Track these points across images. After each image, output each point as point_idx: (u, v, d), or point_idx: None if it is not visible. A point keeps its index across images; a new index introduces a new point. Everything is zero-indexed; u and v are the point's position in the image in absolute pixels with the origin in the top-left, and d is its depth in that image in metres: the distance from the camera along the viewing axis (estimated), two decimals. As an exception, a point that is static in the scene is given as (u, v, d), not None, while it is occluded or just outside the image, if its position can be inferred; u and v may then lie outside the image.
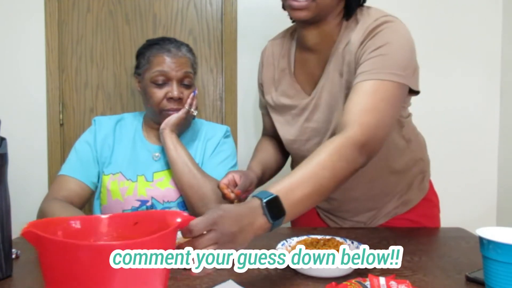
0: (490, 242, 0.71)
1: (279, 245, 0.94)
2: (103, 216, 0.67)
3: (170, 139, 1.25)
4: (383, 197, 1.22)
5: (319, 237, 0.99)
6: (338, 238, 0.97)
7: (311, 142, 1.14)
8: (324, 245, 0.94)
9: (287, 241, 0.97)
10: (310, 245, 0.94)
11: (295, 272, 0.88)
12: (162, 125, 1.27)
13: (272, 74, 1.21)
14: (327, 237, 0.98)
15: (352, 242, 0.95)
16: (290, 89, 1.17)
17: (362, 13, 1.05)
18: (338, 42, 1.06)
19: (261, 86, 1.27)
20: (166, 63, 1.26)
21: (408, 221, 1.25)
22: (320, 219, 1.31)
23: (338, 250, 0.90)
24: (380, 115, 0.91)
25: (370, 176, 1.13)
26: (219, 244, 0.68)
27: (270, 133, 1.32)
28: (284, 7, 1.09)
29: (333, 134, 1.02)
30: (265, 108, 1.29)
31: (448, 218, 1.60)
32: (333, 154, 0.84)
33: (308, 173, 0.81)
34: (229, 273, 0.87)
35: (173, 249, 0.62)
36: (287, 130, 1.18)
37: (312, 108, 1.12)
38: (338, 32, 1.07)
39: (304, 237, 0.99)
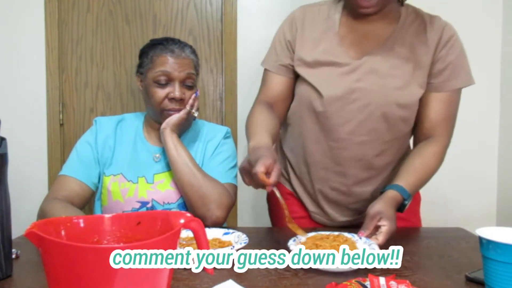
0: (490, 242, 0.71)
1: (291, 241, 0.96)
2: (106, 216, 0.68)
3: (171, 139, 1.26)
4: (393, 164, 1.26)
5: (327, 233, 1.02)
6: (346, 234, 1.00)
7: (358, 103, 1.14)
8: (334, 240, 0.96)
9: (297, 237, 0.99)
10: (320, 240, 0.96)
11: (295, 272, 0.88)
12: (163, 125, 1.27)
13: (310, 32, 1.20)
14: (335, 233, 1.01)
15: (360, 238, 0.98)
16: (334, 49, 1.17)
17: (430, 16, 1.19)
18: (404, 24, 1.16)
19: (289, 44, 1.22)
20: (169, 63, 1.26)
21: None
22: (310, 219, 1.31)
23: (349, 245, 0.94)
24: (455, 120, 1.21)
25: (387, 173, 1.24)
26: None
27: (272, 96, 1.25)
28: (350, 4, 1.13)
29: (385, 104, 1.14)
30: (281, 66, 1.23)
31: (448, 218, 1.61)
32: (437, 158, 1.18)
33: (424, 174, 1.14)
34: (229, 273, 0.87)
35: (176, 249, 0.62)
36: (330, 87, 1.15)
37: (366, 71, 1.14)
38: (395, 11, 1.17)
39: (314, 233, 1.01)
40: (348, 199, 1.24)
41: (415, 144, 1.24)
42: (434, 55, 1.14)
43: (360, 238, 0.98)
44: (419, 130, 1.21)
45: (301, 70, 1.20)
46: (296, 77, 1.24)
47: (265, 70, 1.28)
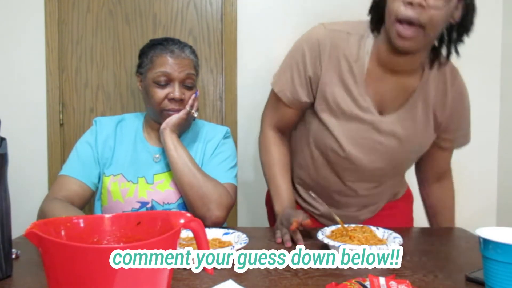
0: (490, 242, 0.71)
1: (319, 233, 1.03)
2: (106, 216, 0.67)
3: (171, 139, 1.26)
4: (387, 195, 1.34)
5: (353, 225, 1.09)
6: (370, 227, 1.07)
7: (373, 158, 1.18)
8: (364, 232, 1.03)
9: (323, 230, 1.07)
10: (353, 231, 1.04)
11: (295, 272, 0.88)
12: (163, 125, 1.27)
13: (337, 69, 1.11)
14: (360, 225, 1.09)
15: (384, 231, 1.06)
16: (360, 99, 1.11)
17: (451, 69, 1.16)
18: (427, 81, 1.12)
19: (309, 80, 1.14)
20: (169, 64, 1.26)
21: (391, 210, 1.36)
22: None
23: (374, 237, 1.02)
24: None
25: (391, 183, 1.31)
26: None
27: (283, 124, 1.25)
28: (388, 30, 1.02)
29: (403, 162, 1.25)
30: (298, 101, 1.18)
31: (448, 218, 1.61)
32: (452, 195, 1.37)
33: (451, 214, 1.36)
34: (229, 273, 0.87)
35: (176, 249, 0.62)
36: (353, 142, 1.16)
37: (388, 132, 1.14)
38: (424, 67, 1.12)
39: (338, 226, 1.09)
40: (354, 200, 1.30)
41: (423, 178, 1.36)
42: (449, 117, 1.18)
43: (378, 228, 1.07)
44: (428, 171, 1.33)
45: (326, 117, 1.15)
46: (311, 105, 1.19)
47: (275, 93, 1.21)
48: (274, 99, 1.23)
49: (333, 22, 1.16)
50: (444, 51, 1.10)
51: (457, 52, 1.08)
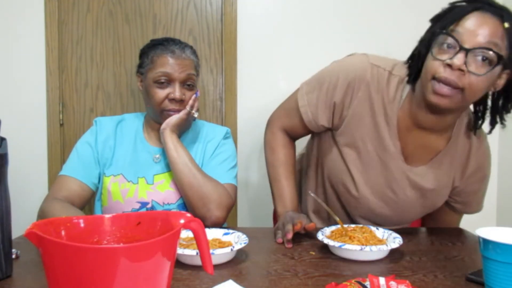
0: (490, 242, 0.71)
1: (319, 233, 1.03)
2: (106, 216, 0.67)
3: (171, 139, 1.26)
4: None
5: (352, 225, 1.09)
6: (370, 227, 1.07)
7: (382, 205, 1.18)
8: (364, 232, 1.03)
9: (323, 230, 1.07)
10: (353, 232, 1.04)
11: (295, 272, 0.88)
12: (163, 126, 1.27)
13: (371, 107, 1.08)
14: (360, 225, 1.09)
15: (384, 231, 1.06)
16: (391, 143, 1.10)
17: (479, 134, 1.12)
18: (456, 143, 1.10)
19: (334, 105, 1.11)
20: (170, 64, 1.26)
21: None
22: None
23: (374, 237, 1.03)
24: None
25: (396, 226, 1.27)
26: None
27: (294, 133, 1.26)
28: (424, 85, 0.98)
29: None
30: (315, 122, 1.16)
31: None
32: None
33: None
34: (229, 273, 0.87)
35: (176, 249, 0.62)
36: (365, 180, 1.14)
37: (409, 184, 1.13)
38: (453, 127, 1.09)
39: (338, 226, 1.09)
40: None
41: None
42: (466, 181, 1.14)
43: (378, 228, 1.07)
44: (434, 223, 1.30)
45: (347, 152, 1.13)
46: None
47: (299, 107, 1.17)
48: (293, 108, 1.19)
49: (378, 56, 1.12)
50: (487, 118, 1.06)
51: (502, 121, 1.04)
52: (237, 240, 1.01)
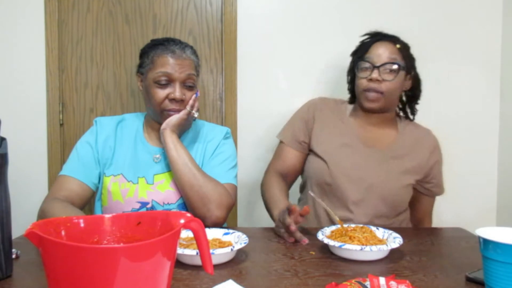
0: (490, 242, 0.71)
1: (319, 233, 1.05)
2: (106, 216, 0.67)
3: (171, 139, 1.26)
4: None
5: (352, 225, 1.09)
6: (370, 227, 1.08)
7: (356, 188, 1.35)
8: (364, 232, 1.04)
9: (323, 230, 1.08)
10: (353, 232, 1.05)
11: (295, 272, 0.88)
12: (163, 125, 1.27)
13: (328, 118, 1.45)
14: (360, 225, 1.10)
15: (384, 231, 1.07)
16: (349, 133, 1.42)
17: (406, 121, 1.48)
18: (403, 132, 1.43)
19: (306, 123, 1.44)
20: (170, 64, 1.26)
21: None
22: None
23: (374, 237, 1.03)
24: None
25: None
26: None
27: (285, 167, 1.45)
28: (358, 98, 1.40)
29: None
30: (297, 142, 1.44)
31: (448, 218, 1.61)
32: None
33: None
34: (229, 273, 0.87)
35: (176, 249, 0.62)
36: (337, 167, 1.37)
37: (371, 162, 1.37)
38: (394, 122, 1.46)
39: (338, 226, 1.10)
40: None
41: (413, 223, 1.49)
42: (427, 167, 1.39)
43: (378, 228, 1.09)
44: (413, 216, 1.47)
45: (320, 151, 1.39)
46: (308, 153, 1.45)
47: (281, 142, 1.47)
48: (278, 148, 1.49)
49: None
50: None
51: (413, 113, 1.48)
52: (237, 240, 1.01)
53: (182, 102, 1.28)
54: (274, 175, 1.42)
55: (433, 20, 1.87)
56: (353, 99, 1.48)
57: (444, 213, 1.63)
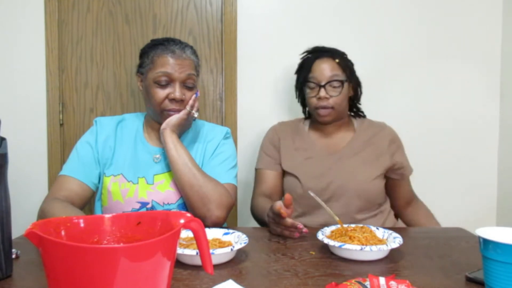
0: (490, 242, 0.71)
1: (319, 233, 1.05)
2: (106, 216, 0.67)
3: (171, 139, 1.26)
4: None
5: (352, 225, 1.09)
6: (370, 227, 1.08)
7: (333, 190, 1.42)
8: (364, 232, 1.04)
9: (323, 230, 1.08)
10: (353, 232, 1.04)
11: (295, 272, 0.88)
12: (163, 125, 1.27)
13: (289, 140, 1.54)
14: (360, 225, 1.09)
15: (384, 231, 1.06)
16: (309, 145, 1.52)
17: (360, 119, 1.58)
18: (360, 131, 1.52)
19: (275, 147, 1.54)
20: (170, 64, 1.26)
21: None
22: None
23: (374, 237, 1.03)
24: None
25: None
26: None
27: (268, 189, 1.50)
28: (312, 113, 1.53)
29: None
30: (273, 163, 1.52)
31: (448, 218, 1.60)
32: (425, 208, 1.56)
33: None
34: (229, 273, 0.87)
35: (176, 249, 0.62)
36: (307, 177, 1.45)
37: (338, 166, 1.45)
38: (350, 124, 1.56)
39: (338, 226, 1.10)
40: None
41: (398, 212, 1.55)
42: (389, 154, 1.46)
43: (378, 228, 1.09)
44: (397, 205, 1.53)
45: (288, 167, 1.48)
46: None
47: (259, 169, 1.54)
48: (257, 176, 1.55)
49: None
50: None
51: (359, 111, 1.58)
52: (237, 240, 1.01)
53: (182, 102, 1.28)
54: (260, 197, 1.47)
55: (433, 20, 1.87)
56: (307, 114, 1.61)
57: (444, 213, 1.63)
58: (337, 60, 1.46)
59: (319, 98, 1.43)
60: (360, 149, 1.47)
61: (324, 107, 1.44)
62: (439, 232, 1.23)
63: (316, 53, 1.50)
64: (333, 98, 1.43)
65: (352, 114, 1.58)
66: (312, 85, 1.46)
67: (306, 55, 1.53)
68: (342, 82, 1.44)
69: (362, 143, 1.48)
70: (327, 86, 1.43)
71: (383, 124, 1.55)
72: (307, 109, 1.60)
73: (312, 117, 1.57)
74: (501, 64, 1.91)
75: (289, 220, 1.11)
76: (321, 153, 1.48)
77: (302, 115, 1.65)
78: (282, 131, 1.57)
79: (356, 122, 1.56)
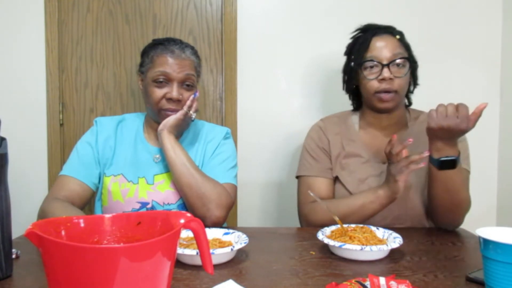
0: (490, 242, 0.71)
1: (319, 233, 1.04)
2: (107, 216, 0.67)
3: (168, 140, 1.25)
4: None
5: (353, 225, 1.09)
6: (370, 227, 1.08)
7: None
8: (364, 232, 1.04)
9: (323, 230, 1.07)
10: (353, 232, 1.05)
11: (295, 272, 0.88)
12: (160, 127, 1.27)
13: (339, 139, 1.37)
14: (360, 225, 1.09)
15: (384, 231, 1.06)
16: (362, 152, 1.35)
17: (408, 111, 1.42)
18: (412, 131, 1.34)
19: (324, 150, 1.36)
20: (169, 64, 1.26)
21: None
22: None
23: (374, 237, 1.03)
24: None
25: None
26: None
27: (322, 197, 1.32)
28: (369, 100, 1.31)
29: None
30: (326, 169, 1.34)
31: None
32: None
33: None
34: (229, 273, 0.87)
35: (176, 249, 0.62)
36: (356, 189, 1.31)
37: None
38: (406, 117, 1.39)
39: (338, 226, 1.09)
40: None
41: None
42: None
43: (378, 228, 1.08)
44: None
45: (341, 175, 1.32)
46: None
47: (304, 177, 1.35)
48: (302, 185, 1.36)
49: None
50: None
51: (409, 99, 1.40)
52: (237, 240, 1.01)
53: (179, 102, 1.27)
54: (314, 202, 1.29)
55: (433, 20, 1.87)
56: (357, 104, 1.41)
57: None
58: (397, 37, 1.28)
59: (382, 79, 1.24)
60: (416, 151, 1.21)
61: (387, 91, 1.24)
62: (439, 232, 1.23)
63: (373, 30, 1.29)
64: (397, 80, 1.24)
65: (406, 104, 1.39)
66: (371, 64, 1.25)
67: (358, 33, 1.33)
68: (407, 59, 1.26)
69: (416, 144, 1.21)
70: (391, 65, 1.24)
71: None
72: (354, 99, 1.41)
73: (362, 109, 1.39)
74: (501, 64, 1.91)
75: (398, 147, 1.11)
76: (375, 161, 1.32)
77: (302, 116, 1.63)
78: (329, 127, 1.38)
79: (409, 117, 1.39)
